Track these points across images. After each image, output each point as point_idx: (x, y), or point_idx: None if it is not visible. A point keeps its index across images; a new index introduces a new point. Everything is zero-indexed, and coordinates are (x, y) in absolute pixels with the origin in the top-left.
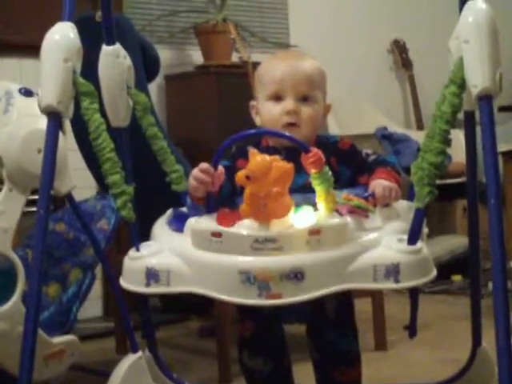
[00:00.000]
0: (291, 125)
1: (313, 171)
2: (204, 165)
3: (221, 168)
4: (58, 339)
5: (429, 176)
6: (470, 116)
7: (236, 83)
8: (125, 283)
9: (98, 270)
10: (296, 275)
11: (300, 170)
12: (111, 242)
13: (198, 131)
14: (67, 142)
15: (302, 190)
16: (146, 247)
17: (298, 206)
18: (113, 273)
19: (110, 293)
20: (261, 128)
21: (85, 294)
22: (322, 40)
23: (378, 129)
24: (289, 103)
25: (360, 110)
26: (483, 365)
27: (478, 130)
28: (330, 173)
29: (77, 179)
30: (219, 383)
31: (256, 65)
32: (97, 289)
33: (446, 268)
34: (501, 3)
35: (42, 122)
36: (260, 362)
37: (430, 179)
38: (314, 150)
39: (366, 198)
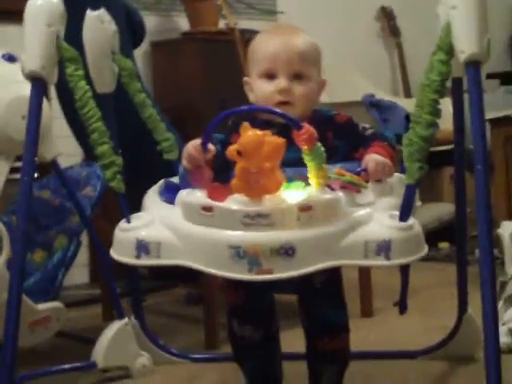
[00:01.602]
0: (284, 103)
1: (305, 147)
2: (195, 143)
3: (211, 146)
4: (44, 306)
5: (419, 151)
6: (457, 83)
7: (223, 50)
8: (115, 254)
9: (84, 237)
10: (286, 251)
11: (292, 144)
12: (97, 208)
13: (184, 98)
14: (52, 108)
15: (295, 165)
16: (136, 219)
17: (289, 180)
18: (99, 240)
19: (96, 260)
20: (252, 105)
21: (70, 260)
22: (309, 7)
23: (366, 96)
24: (281, 82)
25: (347, 77)
26: (469, 331)
27: (466, 97)
28: (323, 148)
29: (62, 146)
30: (206, 349)
31: (243, 32)
32: (83, 256)
33: (433, 235)
34: None
35: (26, 88)
36: (250, 329)
37: (421, 154)
38: (306, 126)
39: (358, 173)
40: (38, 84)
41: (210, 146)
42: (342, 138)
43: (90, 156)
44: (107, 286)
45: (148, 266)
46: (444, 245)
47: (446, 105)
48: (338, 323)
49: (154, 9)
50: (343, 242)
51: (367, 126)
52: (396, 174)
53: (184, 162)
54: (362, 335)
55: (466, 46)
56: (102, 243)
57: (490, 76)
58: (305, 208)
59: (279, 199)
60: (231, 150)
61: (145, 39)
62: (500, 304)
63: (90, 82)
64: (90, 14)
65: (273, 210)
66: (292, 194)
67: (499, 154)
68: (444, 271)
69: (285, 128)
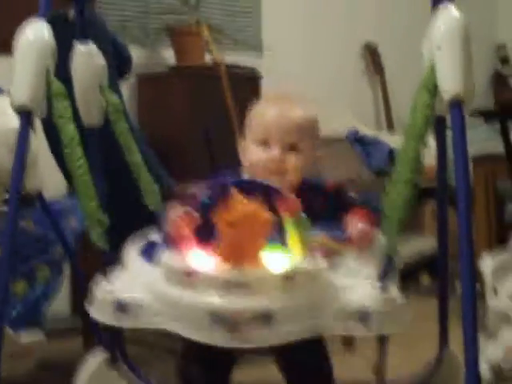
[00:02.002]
0: (276, 173)
1: (289, 217)
2: (180, 212)
3: (195, 215)
4: (26, 337)
5: (398, 223)
6: (441, 121)
7: (209, 85)
8: (93, 313)
9: (66, 267)
10: (266, 319)
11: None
12: (80, 240)
13: (169, 132)
14: (38, 140)
15: (278, 234)
16: (117, 279)
17: (272, 242)
18: (81, 271)
19: (78, 290)
20: (238, 179)
21: (53, 292)
22: (294, 43)
23: (350, 132)
24: (274, 152)
25: (332, 112)
26: (450, 366)
27: (449, 132)
28: (306, 219)
29: (47, 178)
30: None
31: (229, 67)
32: (65, 286)
33: (414, 269)
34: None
35: (14, 121)
36: (212, 377)
37: (398, 225)
38: (291, 197)
39: (342, 241)
40: (26, 117)
41: (195, 215)
42: (330, 203)
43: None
44: (88, 316)
45: (126, 327)
46: (425, 278)
47: (429, 141)
48: (320, 369)
49: (140, 42)
50: (324, 311)
51: (355, 195)
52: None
53: (168, 229)
54: (342, 368)
55: (450, 85)
56: (83, 274)
57: (473, 113)
58: (287, 277)
59: (261, 266)
60: (222, 220)
61: (131, 72)
62: (481, 340)
63: (77, 116)
64: (79, 48)
65: (254, 278)
66: (274, 262)
67: (480, 190)
68: (425, 305)
69: (269, 201)
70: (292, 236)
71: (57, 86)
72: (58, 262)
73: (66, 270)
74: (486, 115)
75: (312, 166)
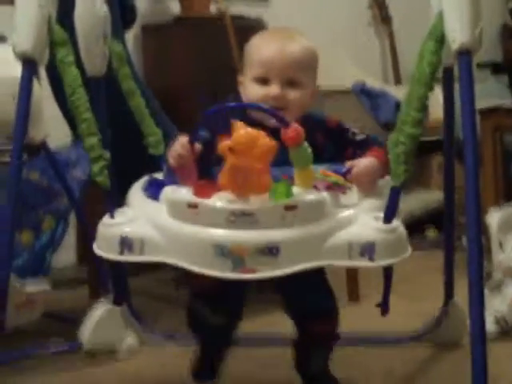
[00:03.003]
0: (276, 109)
1: (291, 146)
2: (183, 141)
3: (197, 145)
4: (31, 287)
5: (405, 153)
6: (448, 72)
7: (214, 35)
8: (98, 250)
9: (72, 218)
10: (271, 250)
11: (282, 146)
12: (86, 191)
13: (174, 83)
14: (42, 89)
15: (284, 165)
16: (120, 214)
17: (276, 179)
18: (87, 221)
19: (84, 241)
20: (240, 102)
21: (58, 241)
22: None
23: (356, 84)
24: (274, 88)
25: (338, 64)
26: (455, 318)
27: (457, 86)
28: (310, 149)
29: (52, 127)
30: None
31: (234, 17)
32: (70, 237)
33: (420, 222)
34: None
35: (16, 69)
36: (221, 318)
37: (407, 156)
38: (294, 125)
39: (343, 175)
40: (29, 65)
41: (197, 144)
42: (332, 141)
43: (79, 138)
44: (94, 266)
45: (131, 261)
46: (431, 232)
47: (437, 94)
48: (324, 308)
49: None
50: (327, 242)
51: (357, 130)
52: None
53: (171, 160)
54: (348, 321)
55: (457, 35)
56: (89, 224)
57: (480, 66)
58: (290, 208)
59: (265, 198)
60: (223, 146)
61: (136, 22)
62: (485, 292)
63: (80, 65)
64: None
65: (258, 209)
66: (278, 193)
67: (488, 144)
68: (431, 258)
69: (275, 131)
70: (296, 167)
71: (59, 33)
72: (63, 212)
73: (72, 221)
74: (494, 68)
75: (312, 100)
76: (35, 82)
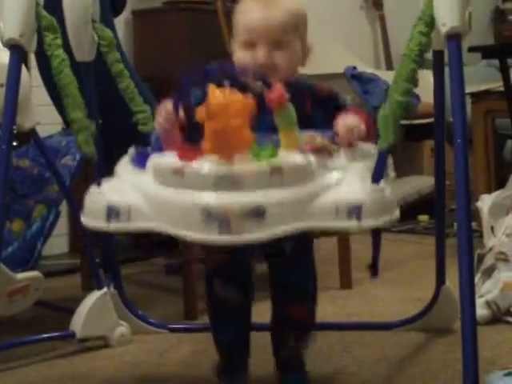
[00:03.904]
0: (265, 74)
1: (275, 108)
2: (167, 106)
3: (181, 112)
4: (22, 275)
5: (393, 116)
6: (438, 56)
7: (205, 20)
8: (85, 219)
9: (64, 207)
10: (257, 213)
11: (268, 111)
12: (76, 178)
13: (165, 68)
14: (32, 77)
15: (271, 131)
16: (107, 183)
17: (260, 144)
18: (78, 209)
19: (76, 229)
20: (221, 64)
21: (49, 230)
22: None
23: (347, 68)
24: (260, 53)
25: (329, 49)
26: (446, 303)
27: (447, 71)
28: (293, 110)
29: (42, 115)
30: (184, 320)
31: (225, 1)
32: (62, 225)
33: (412, 208)
34: None
35: (4, 56)
36: (233, 290)
37: (395, 120)
38: (277, 86)
39: (330, 138)
40: (17, 52)
41: (180, 112)
42: (321, 108)
43: (69, 125)
44: (86, 255)
45: (118, 231)
46: (423, 217)
47: (427, 78)
48: (303, 291)
49: None
50: (314, 204)
51: (348, 98)
52: (370, 145)
53: (156, 125)
54: (340, 307)
55: (447, 18)
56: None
57: (471, 49)
58: (275, 170)
59: (250, 161)
60: (199, 111)
61: (126, 7)
62: (477, 276)
63: (69, 50)
64: None
65: (243, 171)
66: (263, 156)
67: (479, 128)
68: (423, 244)
69: (262, 94)
70: (281, 130)
71: (47, 19)
72: (54, 200)
73: (65, 209)
74: (485, 52)
75: (304, 60)
76: (24, 70)
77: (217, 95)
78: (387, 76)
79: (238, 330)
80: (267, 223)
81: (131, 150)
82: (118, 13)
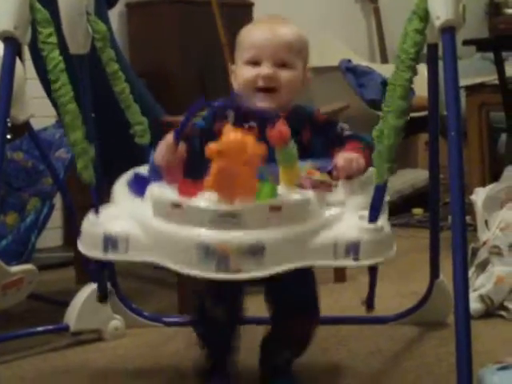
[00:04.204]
0: (268, 90)
1: (277, 145)
2: (168, 141)
3: (181, 145)
4: (16, 268)
5: (389, 149)
6: (433, 49)
7: (200, 12)
8: (82, 248)
9: (58, 200)
10: (255, 250)
11: (269, 143)
12: (70, 171)
13: (160, 61)
14: (26, 69)
15: (271, 160)
16: (105, 212)
17: (261, 178)
18: (72, 202)
19: (70, 222)
20: (228, 99)
21: (43, 223)
22: None
23: (342, 61)
24: (265, 68)
25: (324, 42)
26: (440, 297)
27: (441, 64)
28: (295, 149)
29: (35, 108)
30: (178, 313)
31: None
32: (56, 218)
33: (407, 201)
34: None
35: None
36: (222, 310)
37: (390, 153)
38: (280, 124)
39: (329, 172)
40: (11, 44)
41: (181, 145)
42: (319, 135)
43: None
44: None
45: (115, 260)
46: (418, 211)
47: (422, 71)
48: (305, 304)
49: None
50: (312, 242)
51: (346, 126)
52: (370, 169)
53: (157, 160)
54: (334, 300)
55: (441, 11)
56: (74, 206)
57: (466, 42)
58: (275, 208)
59: (250, 198)
60: (212, 148)
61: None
62: (471, 270)
63: (63, 43)
64: None
65: (243, 209)
66: (263, 194)
67: (473, 121)
68: (417, 237)
69: (263, 123)
70: (281, 166)
71: (41, 12)
72: (48, 193)
73: (59, 202)
74: (480, 44)
75: (303, 87)
76: (18, 62)
77: (233, 136)
78: (382, 69)
79: (224, 339)
80: (266, 261)
81: (129, 173)
82: (111, 5)
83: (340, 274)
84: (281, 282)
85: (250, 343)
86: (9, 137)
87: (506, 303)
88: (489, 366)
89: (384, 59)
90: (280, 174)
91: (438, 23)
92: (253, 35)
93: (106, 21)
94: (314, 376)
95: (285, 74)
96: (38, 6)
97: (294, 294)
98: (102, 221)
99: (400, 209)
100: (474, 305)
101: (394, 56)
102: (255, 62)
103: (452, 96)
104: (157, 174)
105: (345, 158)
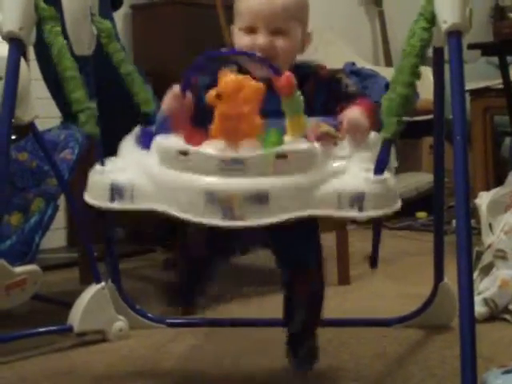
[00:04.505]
0: (266, 58)
1: (284, 95)
2: (175, 91)
3: (188, 95)
4: (20, 268)
5: (397, 106)
6: (439, 52)
7: (204, 14)
8: (89, 198)
9: (62, 201)
10: (260, 198)
11: (273, 97)
12: (75, 172)
13: (164, 62)
14: (31, 70)
15: (276, 115)
16: (111, 162)
17: (267, 128)
18: (76, 203)
19: (74, 223)
20: (231, 49)
21: (47, 224)
22: None
23: (346, 64)
24: (261, 37)
25: (328, 45)
26: (445, 300)
27: (447, 67)
28: (302, 98)
29: (40, 109)
30: (182, 314)
31: None
32: (60, 219)
33: (411, 205)
34: None
35: (3, 49)
36: (209, 253)
37: (399, 109)
38: (286, 73)
39: (335, 126)
40: (16, 45)
41: (188, 94)
42: (323, 91)
43: (68, 118)
44: (84, 249)
45: (121, 209)
46: (421, 214)
47: (427, 74)
48: (307, 263)
49: None
50: (317, 192)
51: (351, 82)
52: (374, 133)
53: (163, 107)
54: (338, 302)
55: (448, 15)
56: (79, 207)
57: (471, 47)
58: (280, 156)
59: (256, 146)
60: (210, 94)
61: (125, 1)
62: (475, 274)
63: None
64: None
65: (249, 157)
66: (269, 142)
67: (478, 125)
68: (421, 240)
69: (266, 81)
70: (288, 116)
71: (47, 9)
72: (52, 194)
73: (63, 203)
74: (485, 49)
75: (303, 49)
76: (23, 63)
77: (229, 79)
78: (386, 72)
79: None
80: (269, 209)
81: (136, 129)
82: (117, 7)
83: (344, 277)
84: (282, 241)
85: (249, 343)
86: (13, 137)
87: (510, 307)
88: (493, 370)
89: (388, 62)
90: (287, 124)
91: (444, 27)
92: (249, 1)
93: (111, 22)
94: (317, 378)
95: (281, 43)
96: (44, 5)
97: (296, 252)
98: (107, 170)
99: (404, 212)
100: (478, 308)
101: (398, 59)
102: (251, 29)
103: (458, 100)
104: (164, 129)
105: (352, 116)
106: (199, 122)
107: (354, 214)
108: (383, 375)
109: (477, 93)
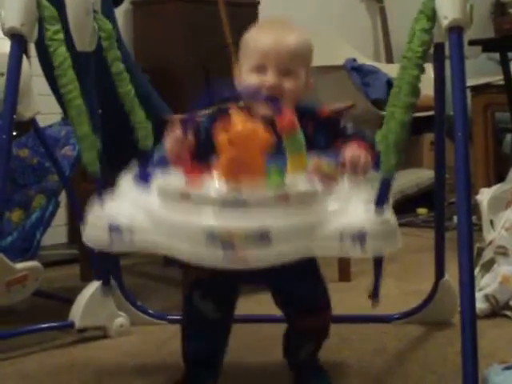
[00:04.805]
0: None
1: (286, 134)
2: (175, 135)
3: (190, 138)
4: (21, 265)
5: (396, 143)
6: (439, 48)
7: (205, 10)
8: (87, 240)
9: (63, 197)
10: (262, 238)
11: (275, 134)
12: (76, 168)
13: (164, 59)
14: (32, 66)
15: (277, 153)
16: (110, 203)
17: (269, 168)
18: (77, 199)
19: (75, 219)
20: (234, 91)
21: (48, 220)
22: None
23: (348, 60)
24: (270, 77)
25: (329, 41)
26: (445, 296)
27: (448, 63)
28: (303, 136)
29: (41, 104)
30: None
31: None
32: (61, 215)
33: (411, 201)
34: None
35: (5, 45)
36: (210, 307)
37: (397, 147)
38: (288, 112)
39: (336, 165)
40: (18, 41)
41: (189, 137)
42: (322, 131)
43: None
44: (85, 245)
45: (121, 251)
46: (422, 211)
47: (428, 70)
48: (317, 304)
49: None
50: (318, 231)
51: (349, 124)
52: (372, 172)
53: (165, 150)
54: (339, 299)
55: (448, 11)
56: (80, 203)
57: (471, 43)
58: (282, 197)
59: (257, 186)
60: (222, 137)
61: None
62: (476, 270)
63: (70, 39)
64: None
65: (250, 198)
66: (270, 183)
67: (479, 121)
68: (422, 237)
69: (269, 120)
70: (290, 155)
71: (48, 9)
72: (53, 190)
73: (64, 199)
74: (486, 45)
75: (306, 92)
76: (24, 59)
77: (241, 126)
78: (387, 68)
79: (207, 347)
80: (272, 250)
81: (134, 165)
82: (118, 4)
83: (345, 274)
84: (285, 280)
85: (249, 342)
86: (14, 133)
87: (511, 303)
88: (494, 366)
89: (389, 59)
90: (288, 162)
91: (445, 23)
92: (259, 41)
93: (112, 19)
94: None
95: (289, 84)
96: (46, 3)
97: (301, 294)
98: (106, 211)
99: (404, 208)
100: (479, 304)
101: (399, 56)
102: (260, 68)
103: (459, 96)
104: (163, 162)
105: (353, 153)
106: (199, 152)
107: (355, 252)
108: (384, 371)
109: (478, 89)
